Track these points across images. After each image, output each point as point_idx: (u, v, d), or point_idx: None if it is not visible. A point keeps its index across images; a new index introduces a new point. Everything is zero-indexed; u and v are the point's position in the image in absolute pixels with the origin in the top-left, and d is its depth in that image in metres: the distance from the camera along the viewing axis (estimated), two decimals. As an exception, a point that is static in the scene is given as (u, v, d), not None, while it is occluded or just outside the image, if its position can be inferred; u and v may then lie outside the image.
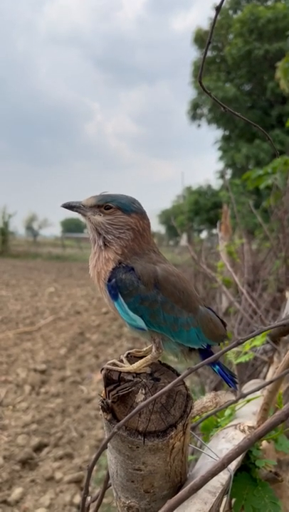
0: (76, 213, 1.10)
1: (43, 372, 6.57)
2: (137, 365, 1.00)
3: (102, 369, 1.00)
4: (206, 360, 0.81)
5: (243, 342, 0.76)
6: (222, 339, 1.13)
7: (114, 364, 1.02)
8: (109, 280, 1.02)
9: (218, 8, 0.74)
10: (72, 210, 1.10)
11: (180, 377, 0.79)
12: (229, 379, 1.14)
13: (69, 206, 1.09)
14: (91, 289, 15.23)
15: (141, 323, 1.00)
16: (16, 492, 3.69)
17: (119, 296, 1.00)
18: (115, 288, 1.01)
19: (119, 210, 1.06)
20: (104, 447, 0.79)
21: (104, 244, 1.06)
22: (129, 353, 1.12)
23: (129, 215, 1.06)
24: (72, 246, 48.18)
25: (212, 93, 0.88)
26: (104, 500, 1.08)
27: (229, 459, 0.72)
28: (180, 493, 0.71)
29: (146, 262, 1.03)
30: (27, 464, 4.16)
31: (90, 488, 0.93)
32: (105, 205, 1.07)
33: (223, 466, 0.71)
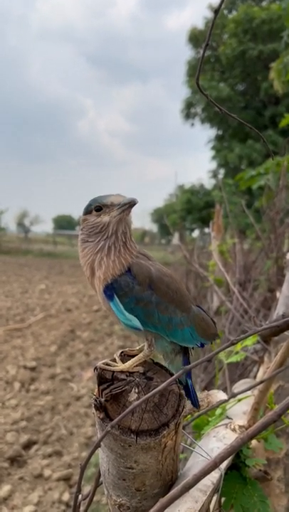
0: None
1: (32, 369, 6.54)
2: (129, 364, 1.01)
3: (95, 368, 1.00)
4: (200, 360, 0.82)
5: (236, 342, 0.76)
6: (214, 337, 1.13)
7: (106, 364, 1.01)
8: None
9: (216, 11, 0.74)
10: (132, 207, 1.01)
11: (174, 376, 0.79)
12: (194, 398, 1.10)
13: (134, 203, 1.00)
14: (82, 286, 15.19)
15: (137, 323, 0.99)
16: (4, 489, 3.68)
17: (115, 296, 0.99)
18: (111, 289, 0.99)
19: None
20: (98, 446, 0.79)
21: (126, 246, 1.02)
22: (122, 352, 1.12)
23: None
24: (63, 243, 47.92)
25: (206, 92, 0.87)
26: (93, 498, 1.08)
27: (221, 459, 0.72)
28: (172, 491, 0.72)
29: (141, 261, 1.02)
30: (16, 461, 4.15)
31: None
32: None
33: (215, 465, 0.72)
